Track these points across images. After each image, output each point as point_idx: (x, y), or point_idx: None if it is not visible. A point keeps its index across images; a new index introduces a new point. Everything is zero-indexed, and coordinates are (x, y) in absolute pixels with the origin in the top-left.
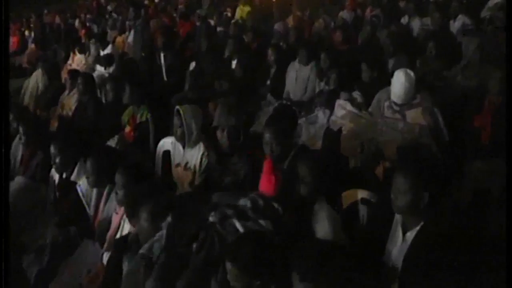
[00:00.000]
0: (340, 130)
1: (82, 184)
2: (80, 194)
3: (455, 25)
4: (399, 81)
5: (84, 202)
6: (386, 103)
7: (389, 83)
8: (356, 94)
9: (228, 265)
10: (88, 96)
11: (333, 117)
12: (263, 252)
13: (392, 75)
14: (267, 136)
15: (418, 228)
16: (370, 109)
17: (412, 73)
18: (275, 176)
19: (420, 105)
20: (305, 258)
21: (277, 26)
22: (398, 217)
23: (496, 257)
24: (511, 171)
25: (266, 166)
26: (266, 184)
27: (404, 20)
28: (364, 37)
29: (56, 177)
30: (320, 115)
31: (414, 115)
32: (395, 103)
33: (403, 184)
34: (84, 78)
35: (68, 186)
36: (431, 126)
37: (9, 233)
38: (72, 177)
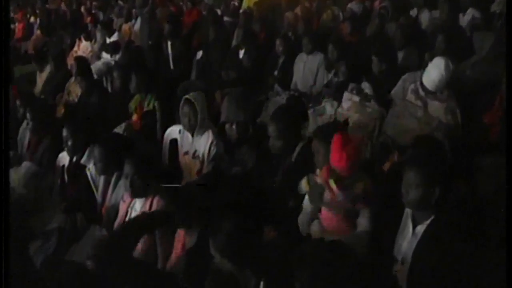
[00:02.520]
0: (346, 121)
1: (92, 168)
2: (90, 178)
3: (465, 19)
4: (438, 68)
5: (93, 186)
6: (412, 86)
7: (399, 76)
8: (365, 86)
9: (210, 239)
10: (90, 85)
11: (339, 109)
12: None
13: (401, 69)
14: (270, 129)
15: (428, 222)
16: (393, 91)
17: (451, 66)
18: (346, 153)
19: (446, 102)
20: (306, 267)
21: (285, 17)
22: (408, 211)
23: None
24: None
25: (336, 142)
26: (338, 163)
27: (413, 12)
28: (372, 29)
29: (65, 161)
30: (328, 106)
31: (436, 108)
32: (423, 88)
33: (414, 178)
34: (83, 74)
35: (78, 169)
36: (449, 125)
37: (9, 220)
38: (82, 161)
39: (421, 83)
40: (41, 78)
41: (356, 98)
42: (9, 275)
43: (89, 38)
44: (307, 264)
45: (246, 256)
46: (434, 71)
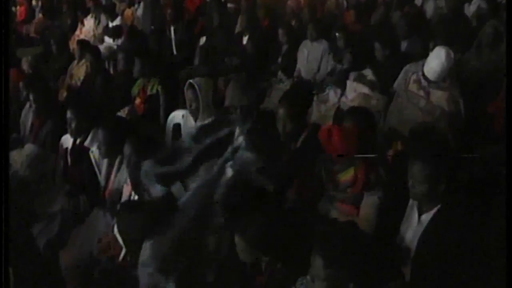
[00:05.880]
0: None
1: (95, 151)
2: (93, 161)
3: (470, 9)
4: (439, 58)
5: (96, 169)
6: (414, 77)
7: (403, 64)
8: (368, 72)
9: (237, 238)
10: (98, 64)
11: (343, 98)
12: (274, 228)
13: (405, 57)
14: (281, 112)
15: (434, 210)
16: (396, 83)
17: (452, 55)
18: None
19: (448, 90)
20: (330, 242)
21: (289, 4)
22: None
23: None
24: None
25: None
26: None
27: (418, 1)
28: (377, 18)
29: (69, 143)
30: (331, 94)
31: (439, 97)
32: (425, 78)
33: (419, 173)
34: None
35: (81, 152)
36: (452, 114)
37: (9, 203)
38: (86, 143)
39: (423, 74)
40: None
41: (362, 89)
42: (10, 256)
43: (93, 15)
44: (326, 241)
45: (274, 244)
46: (435, 61)
